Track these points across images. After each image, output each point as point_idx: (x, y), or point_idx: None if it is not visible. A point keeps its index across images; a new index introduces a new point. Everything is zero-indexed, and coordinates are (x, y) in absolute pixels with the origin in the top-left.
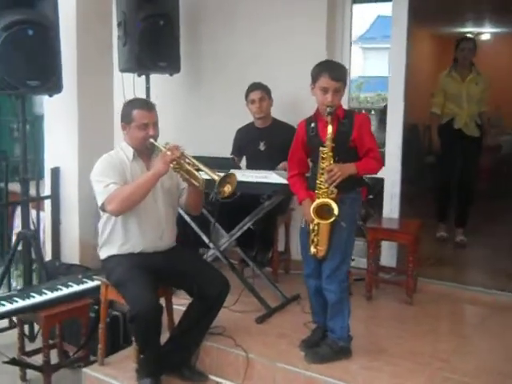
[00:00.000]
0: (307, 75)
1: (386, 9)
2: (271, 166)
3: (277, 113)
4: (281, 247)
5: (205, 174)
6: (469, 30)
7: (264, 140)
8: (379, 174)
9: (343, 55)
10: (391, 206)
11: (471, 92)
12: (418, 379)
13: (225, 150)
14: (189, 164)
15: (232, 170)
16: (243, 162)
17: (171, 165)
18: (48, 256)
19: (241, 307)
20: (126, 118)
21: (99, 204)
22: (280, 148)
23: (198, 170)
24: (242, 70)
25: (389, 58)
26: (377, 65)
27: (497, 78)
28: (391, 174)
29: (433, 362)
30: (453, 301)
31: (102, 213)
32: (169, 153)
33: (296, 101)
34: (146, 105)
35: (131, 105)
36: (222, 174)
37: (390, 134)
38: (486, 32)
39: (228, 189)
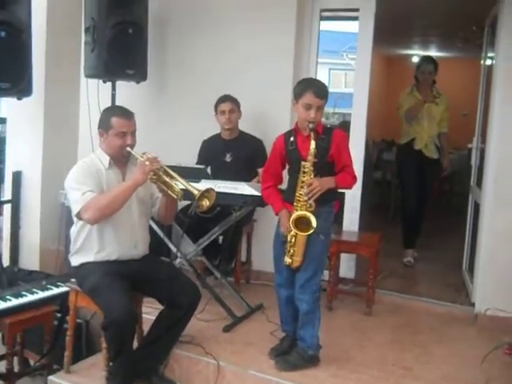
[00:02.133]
0: (273, 88)
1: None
2: (237, 178)
3: (241, 124)
4: (242, 257)
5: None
6: (415, 52)
7: (230, 151)
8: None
9: (309, 70)
10: (351, 220)
11: (432, 112)
12: None
13: (189, 159)
14: (167, 175)
15: (204, 181)
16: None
17: (149, 175)
18: (6, 262)
19: (206, 316)
20: (105, 125)
21: (75, 212)
22: (246, 160)
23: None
24: (208, 80)
25: (354, 77)
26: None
27: None
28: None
29: (396, 370)
30: (409, 312)
31: (75, 220)
32: (147, 163)
33: (261, 113)
34: (125, 113)
35: (110, 112)
36: (201, 189)
37: (352, 149)
38: (432, 55)
39: (206, 203)
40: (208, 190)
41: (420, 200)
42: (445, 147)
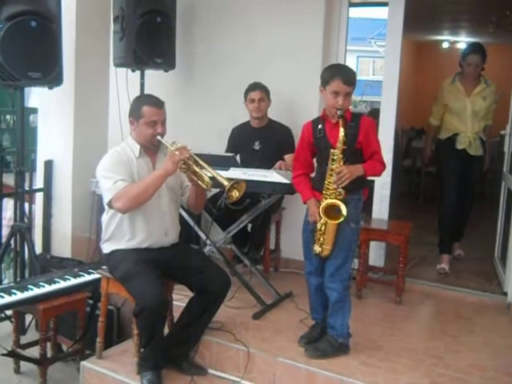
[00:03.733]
0: (302, 76)
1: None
2: (266, 166)
3: (270, 112)
4: (271, 245)
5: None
6: (445, 38)
7: (259, 140)
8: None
9: (338, 57)
10: (381, 208)
11: (477, 107)
12: (413, 374)
13: (218, 147)
14: (196, 165)
15: (232, 169)
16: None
17: (179, 165)
18: (38, 249)
19: (236, 303)
20: (135, 114)
21: (106, 200)
22: (275, 148)
23: (201, 169)
24: (237, 67)
25: (383, 64)
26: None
27: None
28: (382, 176)
29: (426, 358)
30: (439, 301)
31: (107, 208)
32: (177, 153)
33: (290, 101)
34: (156, 102)
35: (141, 101)
36: (231, 180)
37: (382, 137)
38: (462, 41)
39: (235, 194)
40: (238, 182)
41: (463, 199)
42: (489, 140)
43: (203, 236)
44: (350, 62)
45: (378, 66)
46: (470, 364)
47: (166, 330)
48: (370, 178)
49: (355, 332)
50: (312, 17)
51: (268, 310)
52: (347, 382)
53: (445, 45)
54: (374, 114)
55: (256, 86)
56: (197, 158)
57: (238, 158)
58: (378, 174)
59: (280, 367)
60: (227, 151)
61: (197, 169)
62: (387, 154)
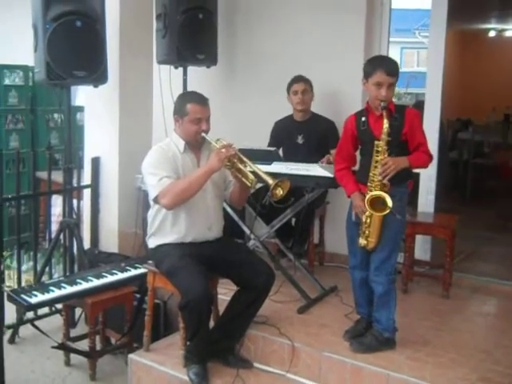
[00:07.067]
0: (344, 68)
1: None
2: (309, 160)
3: (313, 106)
4: (315, 239)
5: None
6: (492, 26)
7: (302, 133)
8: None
9: (381, 48)
10: (427, 201)
11: None
12: (461, 370)
13: (261, 142)
14: (241, 162)
15: (275, 163)
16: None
17: (224, 162)
18: (86, 244)
19: (280, 297)
20: (180, 112)
21: (152, 197)
22: (318, 141)
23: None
24: (279, 62)
25: (427, 55)
26: None
27: None
28: (428, 168)
29: (475, 353)
30: (487, 295)
31: (152, 204)
32: (223, 150)
33: (333, 94)
34: (200, 99)
35: (186, 98)
36: (276, 178)
37: (427, 129)
38: (510, 29)
39: (280, 192)
40: (282, 180)
41: None
42: None
43: (247, 230)
44: (394, 54)
45: (423, 57)
46: None
47: (212, 324)
48: (416, 170)
49: (401, 326)
50: (354, 8)
51: (312, 305)
52: (393, 376)
53: (491, 33)
54: (420, 106)
55: (299, 79)
56: (241, 156)
57: (280, 151)
58: (425, 166)
59: (325, 361)
60: (270, 145)
61: (241, 166)
62: (432, 146)
